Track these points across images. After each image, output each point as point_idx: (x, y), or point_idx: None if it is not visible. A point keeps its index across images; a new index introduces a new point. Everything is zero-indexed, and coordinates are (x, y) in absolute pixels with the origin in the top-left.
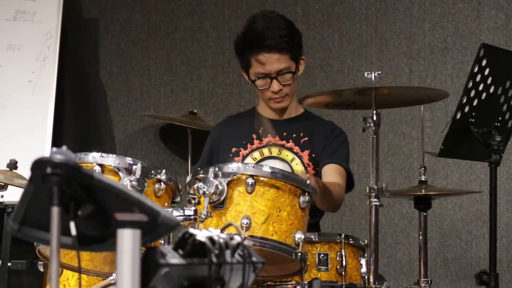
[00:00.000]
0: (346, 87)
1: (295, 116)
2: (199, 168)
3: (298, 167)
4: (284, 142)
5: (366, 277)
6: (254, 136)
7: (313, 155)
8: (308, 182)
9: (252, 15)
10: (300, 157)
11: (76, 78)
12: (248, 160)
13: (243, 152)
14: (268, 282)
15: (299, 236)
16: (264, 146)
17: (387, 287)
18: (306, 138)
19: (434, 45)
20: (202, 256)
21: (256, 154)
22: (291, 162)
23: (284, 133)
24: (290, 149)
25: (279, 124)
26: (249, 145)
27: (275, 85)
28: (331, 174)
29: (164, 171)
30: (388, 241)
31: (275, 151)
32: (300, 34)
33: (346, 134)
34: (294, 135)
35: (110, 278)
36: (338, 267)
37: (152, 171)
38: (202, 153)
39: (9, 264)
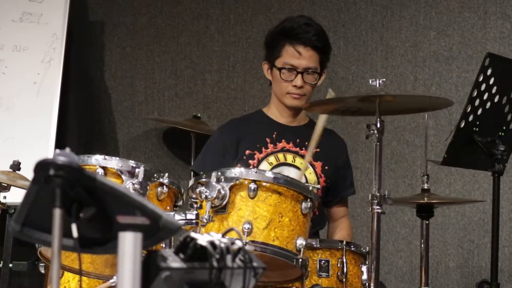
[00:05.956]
0: (350, 94)
1: (304, 124)
2: (202, 172)
3: (311, 176)
4: (297, 149)
5: (367, 284)
6: (268, 140)
7: (326, 167)
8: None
9: (291, 15)
10: (313, 166)
11: (81, 80)
12: (264, 164)
13: (258, 155)
14: None
15: (301, 242)
16: (279, 151)
17: None
18: (318, 150)
19: (439, 53)
20: (203, 260)
21: (272, 159)
22: (305, 170)
23: (297, 140)
24: (303, 157)
25: (290, 130)
26: (263, 149)
27: (299, 80)
28: (343, 214)
29: (166, 174)
30: (389, 248)
31: (289, 157)
32: (331, 48)
33: (348, 140)
34: (306, 143)
35: (111, 280)
36: (339, 273)
37: (155, 175)
38: (208, 155)
39: (10, 265)
